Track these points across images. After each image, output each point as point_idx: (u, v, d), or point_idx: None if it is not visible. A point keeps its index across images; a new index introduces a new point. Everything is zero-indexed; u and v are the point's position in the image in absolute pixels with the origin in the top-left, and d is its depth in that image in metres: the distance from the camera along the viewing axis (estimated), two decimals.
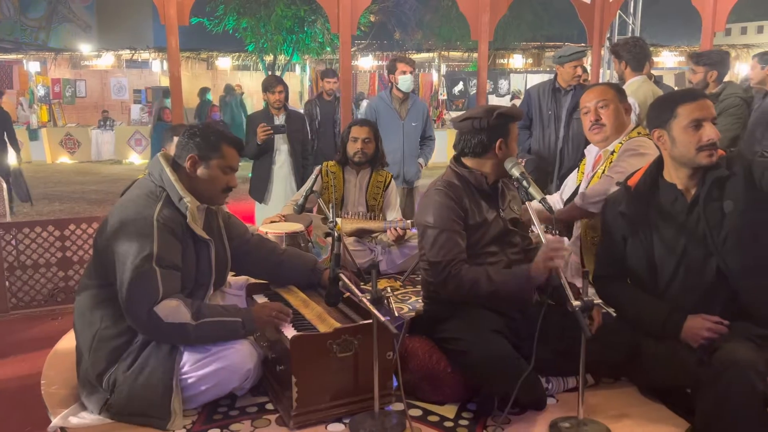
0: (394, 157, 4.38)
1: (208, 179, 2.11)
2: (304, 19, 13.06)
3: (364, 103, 11.16)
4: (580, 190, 2.76)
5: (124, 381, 1.93)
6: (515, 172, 2.13)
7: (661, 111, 2.07)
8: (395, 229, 3.36)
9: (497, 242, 2.22)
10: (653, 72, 4.44)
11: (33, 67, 15.48)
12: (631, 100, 3.52)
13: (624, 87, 3.71)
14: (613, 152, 2.67)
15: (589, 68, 4.08)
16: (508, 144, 2.20)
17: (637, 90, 3.59)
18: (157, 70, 16.75)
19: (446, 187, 2.18)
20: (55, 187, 5.93)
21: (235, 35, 13.79)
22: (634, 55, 3.68)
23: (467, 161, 2.25)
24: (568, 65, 4.08)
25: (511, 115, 2.23)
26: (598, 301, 1.86)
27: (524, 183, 2.09)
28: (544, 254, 1.95)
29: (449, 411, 2.02)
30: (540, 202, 2.06)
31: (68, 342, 2.42)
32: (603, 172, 2.69)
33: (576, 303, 1.78)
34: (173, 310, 1.88)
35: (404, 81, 4.47)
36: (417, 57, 17.06)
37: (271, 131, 4.38)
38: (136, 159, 13.70)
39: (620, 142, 2.66)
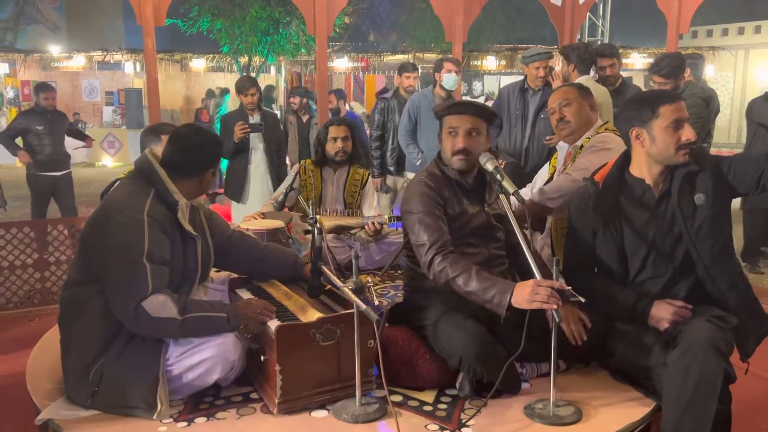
0: (431, 154, 4.43)
1: (204, 184, 2.22)
2: (279, 20, 13.07)
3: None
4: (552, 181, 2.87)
5: (111, 372, 1.96)
6: (489, 167, 2.21)
7: (641, 110, 2.15)
8: (373, 224, 3.43)
9: (478, 236, 2.30)
10: (622, 73, 4.60)
11: (1, 68, 15.20)
12: None
13: None
14: (581, 147, 2.78)
15: (558, 68, 4.22)
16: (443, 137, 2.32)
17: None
18: (130, 71, 16.56)
19: (427, 177, 2.30)
20: (27, 190, 5.86)
21: (210, 36, 13.72)
22: (582, 58, 3.87)
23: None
24: (531, 66, 4.30)
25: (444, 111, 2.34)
26: (568, 288, 1.95)
27: (497, 176, 2.17)
28: (531, 292, 1.92)
29: (428, 396, 2.10)
30: (513, 194, 2.15)
31: (52, 337, 2.43)
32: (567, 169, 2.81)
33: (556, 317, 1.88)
34: (160, 305, 1.92)
35: (449, 79, 4.60)
36: (392, 59, 17.12)
37: (249, 129, 4.42)
38: (109, 162, 13.53)
39: (588, 137, 2.78)
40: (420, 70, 5.18)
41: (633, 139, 2.19)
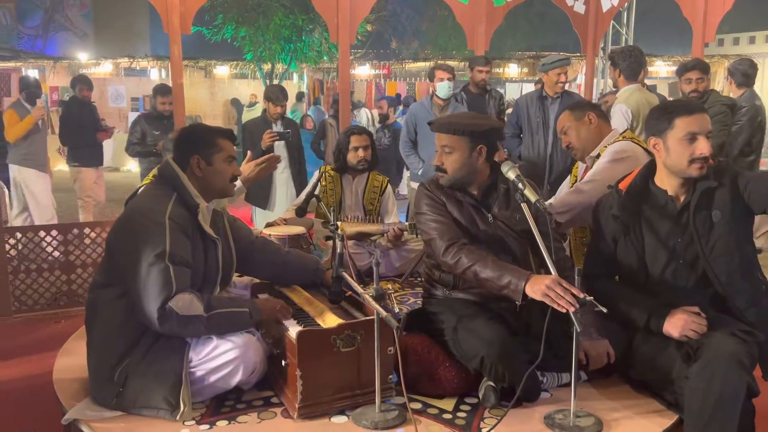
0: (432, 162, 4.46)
1: (216, 174, 2.22)
2: (302, 28, 13.19)
3: (362, 112, 11.24)
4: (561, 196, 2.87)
5: (135, 373, 2.00)
6: (511, 175, 2.21)
7: (658, 120, 2.15)
8: (394, 229, 3.45)
9: (485, 245, 2.27)
10: (647, 81, 4.57)
11: (31, 74, 15.53)
12: (622, 106, 3.64)
13: (617, 94, 3.82)
14: (598, 156, 2.77)
15: (582, 77, 4.23)
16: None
17: (629, 98, 3.69)
18: (155, 77, 16.82)
19: (428, 184, 2.38)
20: (54, 193, 5.99)
21: (234, 44, 13.89)
22: (629, 64, 3.79)
23: None
24: (552, 72, 4.29)
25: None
26: (590, 298, 1.94)
27: (519, 185, 2.17)
28: (546, 286, 1.94)
29: (448, 404, 2.10)
30: (535, 203, 2.14)
31: (79, 339, 2.48)
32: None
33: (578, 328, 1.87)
34: (188, 303, 1.97)
35: (442, 87, 4.57)
36: (413, 66, 17.17)
37: (278, 136, 4.49)
38: (134, 166, 13.73)
39: (605, 146, 2.76)
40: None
41: (651, 148, 2.19)
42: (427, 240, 2.28)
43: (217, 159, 2.21)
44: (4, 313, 4.03)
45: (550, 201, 2.81)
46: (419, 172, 4.63)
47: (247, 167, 2.89)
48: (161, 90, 5.35)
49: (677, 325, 2.06)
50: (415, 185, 4.71)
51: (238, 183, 2.63)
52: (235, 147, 2.30)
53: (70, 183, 6.29)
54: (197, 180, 2.19)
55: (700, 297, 2.13)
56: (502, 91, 15.50)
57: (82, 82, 6.13)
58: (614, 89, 5.01)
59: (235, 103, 13.21)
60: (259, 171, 2.91)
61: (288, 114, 10.28)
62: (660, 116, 2.15)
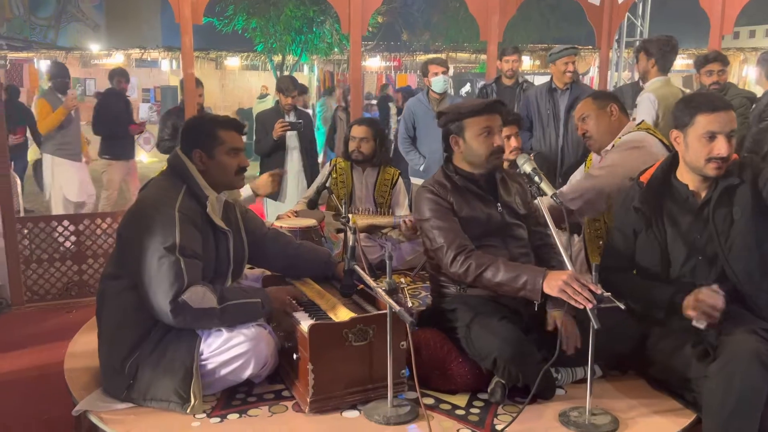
0: (434, 157, 4.42)
1: (219, 167, 2.17)
2: (313, 19, 13.14)
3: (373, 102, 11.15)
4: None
5: (146, 366, 1.99)
6: (527, 168, 2.18)
7: (682, 114, 2.10)
8: (407, 221, 3.41)
9: (497, 236, 2.26)
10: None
11: (44, 65, 15.59)
12: (650, 95, 3.57)
13: (646, 85, 3.75)
14: (613, 145, 2.72)
15: (597, 70, 4.17)
16: (465, 139, 2.25)
17: (658, 89, 3.63)
18: (167, 69, 16.84)
19: (431, 185, 2.28)
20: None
21: (244, 35, 13.87)
22: (665, 54, 3.68)
23: (453, 160, 2.35)
24: (559, 62, 4.24)
25: (456, 110, 2.28)
26: (608, 294, 1.90)
27: (536, 179, 2.14)
28: (563, 282, 1.92)
29: (461, 399, 2.07)
30: (552, 197, 2.11)
31: (90, 330, 2.48)
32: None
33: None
34: (201, 296, 1.95)
35: (437, 82, 4.49)
36: (424, 58, 17.06)
37: (289, 126, 4.46)
38: (144, 158, 13.76)
39: (619, 137, 2.71)
40: (452, 70, 5.04)
41: (672, 141, 2.14)
42: (433, 249, 2.22)
43: (218, 152, 2.16)
44: (17, 303, 4.04)
45: (561, 189, 2.76)
46: (420, 168, 4.57)
47: (264, 182, 2.87)
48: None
49: (687, 305, 1.99)
50: (415, 181, 4.65)
51: (248, 191, 2.58)
52: (241, 137, 2.23)
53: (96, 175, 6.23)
54: (203, 172, 2.16)
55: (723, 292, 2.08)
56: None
57: (120, 74, 5.97)
58: (635, 81, 4.93)
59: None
60: (273, 184, 2.92)
61: (317, 106, 10.22)
62: (683, 109, 2.10)
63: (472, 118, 2.24)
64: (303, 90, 6.10)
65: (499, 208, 2.28)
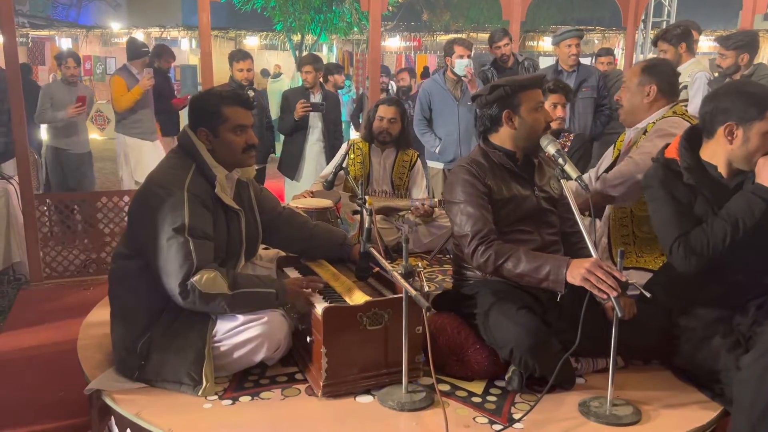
0: (449, 139, 4.35)
1: (224, 145, 2.11)
2: None
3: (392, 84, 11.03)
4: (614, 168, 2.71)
5: (158, 347, 1.96)
6: (551, 149, 2.10)
7: (747, 106, 1.93)
8: (425, 207, 3.35)
9: (530, 221, 2.19)
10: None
11: (65, 43, 15.64)
12: (706, 73, 3.52)
13: (684, 67, 3.66)
14: (645, 131, 2.61)
15: (622, 51, 4.09)
16: (520, 114, 2.15)
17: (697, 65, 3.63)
18: (186, 48, 16.82)
19: (469, 164, 2.18)
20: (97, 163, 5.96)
21: (263, 14, 13.75)
22: (688, 37, 3.68)
23: (492, 138, 2.24)
24: (563, 44, 4.20)
25: (514, 84, 2.16)
26: (633, 282, 1.83)
27: (560, 160, 2.06)
28: (586, 270, 1.84)
29: (477, 387, 2.02)
30: (576, 180, 2.02)
31: (103, 308, 2.46)
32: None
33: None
34: (211, 281, 1.91)
35: (460, 64, 4.30)
36: (444, 38, 16.81)
37: (310, 107, 4.40)
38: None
39: (653, 122, 2.60)
40: (473, 51, 4.86)
41: (721, 134, 1.98)
42: (457, 234, 2.15)
43: (222, 130, 2.09)
44: (35, 279, 4.07)
45: (604, 174, 2.66)
46: (436, 150, 4.46)
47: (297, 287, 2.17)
48: (237, 56, 4.88)
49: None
50: (432, 164, 4.52)
51: (267, 264, 2.41)
52: (248, 112, 2.14)
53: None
54: (211, 151, 2.10)
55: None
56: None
57: (167, 52, 5.87)
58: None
59: (265, 75, 13.11)
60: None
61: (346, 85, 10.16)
62: (748, 102, 1.92)
63: (527, 92, 2.15)
64: (334, 70, 5.86)
65: (537, 191, 2.22)
